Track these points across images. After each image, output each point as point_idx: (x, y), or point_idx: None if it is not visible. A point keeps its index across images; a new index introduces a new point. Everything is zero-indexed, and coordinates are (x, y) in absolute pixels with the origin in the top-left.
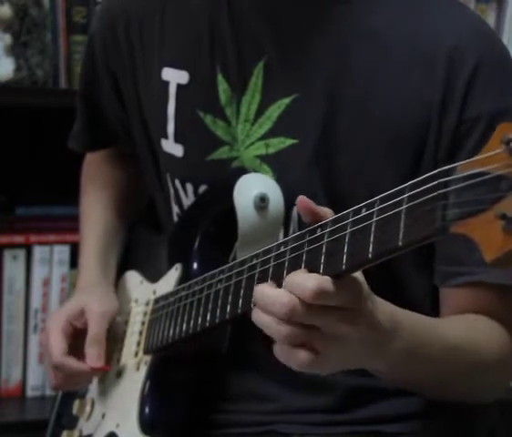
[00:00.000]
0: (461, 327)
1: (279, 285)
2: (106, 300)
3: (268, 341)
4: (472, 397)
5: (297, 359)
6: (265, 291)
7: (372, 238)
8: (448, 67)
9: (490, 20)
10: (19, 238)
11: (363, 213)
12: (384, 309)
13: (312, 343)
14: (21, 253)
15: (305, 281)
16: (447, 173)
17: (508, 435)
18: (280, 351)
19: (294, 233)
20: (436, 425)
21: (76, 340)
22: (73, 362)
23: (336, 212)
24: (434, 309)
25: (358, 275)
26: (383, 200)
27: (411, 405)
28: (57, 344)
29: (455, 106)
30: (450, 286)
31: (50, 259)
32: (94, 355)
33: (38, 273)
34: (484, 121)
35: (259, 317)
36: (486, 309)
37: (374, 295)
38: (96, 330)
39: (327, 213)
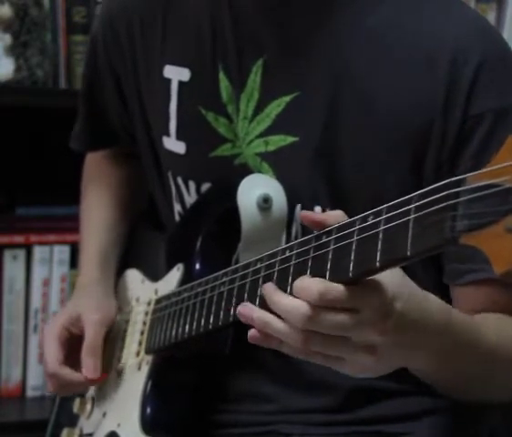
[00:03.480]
0: (496, 327)
1: (284, 289)
2: (103, 305)
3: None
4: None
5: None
6: (280, 300)
7: (379, 247)
8: (451, 67)
9: (490, 20)
10: (19, 238)
11: (370, 221)
12: (430, 305)
13: (337, 351)
14: (21, 253)
15: (312, 284)
16: (457, 184)
17: (510, 436)
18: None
19: (297, 233)
20: (437, 425)
21: (73, 345)
22: (68, 372)
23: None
24: None
25: (382, 276)
26: (390, 209)
27: (411, 405)
28: (52, 353)
29: (459, 105)
30: (460, 284)
31: (50, 259)
32: (90, 366)
33: (38, 273)
34: (488, 118)
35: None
36: (496, 305)
37: (415, 292)
38: (92, 338)
39: (334, 217)
